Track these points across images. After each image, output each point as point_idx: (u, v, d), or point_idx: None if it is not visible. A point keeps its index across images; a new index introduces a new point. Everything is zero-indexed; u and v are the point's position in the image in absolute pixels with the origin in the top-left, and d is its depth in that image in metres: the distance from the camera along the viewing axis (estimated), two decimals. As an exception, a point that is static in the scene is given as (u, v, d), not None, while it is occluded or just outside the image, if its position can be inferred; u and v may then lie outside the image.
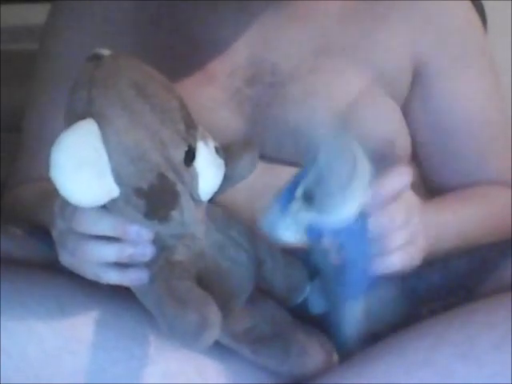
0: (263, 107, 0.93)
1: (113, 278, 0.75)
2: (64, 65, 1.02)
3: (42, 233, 0.85)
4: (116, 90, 0.70)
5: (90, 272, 0.75)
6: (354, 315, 0.82)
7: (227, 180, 0.78)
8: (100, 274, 0.75)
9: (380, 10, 0.98)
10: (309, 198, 0.75)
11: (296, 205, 0.75)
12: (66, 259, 0.76)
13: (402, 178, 0.76)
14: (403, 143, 0.98)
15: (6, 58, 1.53)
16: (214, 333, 0.70)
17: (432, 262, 0.80)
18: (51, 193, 0.79)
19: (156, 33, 0.99)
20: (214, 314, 0.71)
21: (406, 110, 1.00)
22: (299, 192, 0.75)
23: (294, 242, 0.77)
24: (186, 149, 0.72)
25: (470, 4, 1.03)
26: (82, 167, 0.68)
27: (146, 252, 0.74)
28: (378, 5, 0.98)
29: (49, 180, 0.86)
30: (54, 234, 0.76)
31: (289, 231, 0.76)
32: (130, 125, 0.70)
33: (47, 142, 1.00)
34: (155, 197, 0.72)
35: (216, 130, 0.86)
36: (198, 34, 0.98)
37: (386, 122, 0.94)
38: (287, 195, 0.77)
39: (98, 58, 0.72)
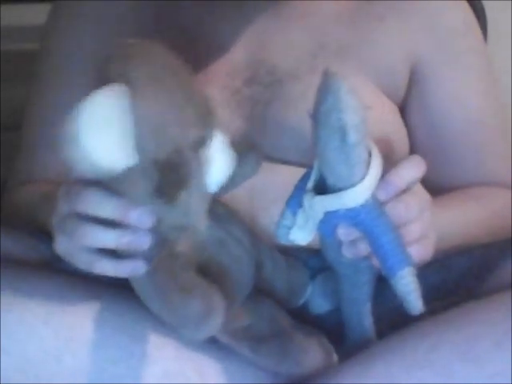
0: (262, 107, 0.93)
1: (106, 267, 0.73)
2: (64, 65, 1.03)
3: (41, 233, 0.85)
4: (150, 64, 0.71)
5: (85, 259, 0.74)
6: (366, 313, 0.82)
7: (231, 179, 0.78)
8: (94, 262, 0.73)
9: (378, 10, 0.99)
10: (321, 185, 0.74)
11: (309, 197, 0.75)
12: (62, 246, 0.75)
13: (416, 168, 0.76)
14: (401, 143, 0.98)
15: (6, 58, 1.53)
16: (217, 322, 0.70)
17: (432, 262, 0.80)
18: (51, 193, 0.78)
19: (155, 33, 0.99)
20: (217, 302, 0.71)
21: (403, 110, 1.00)
22: (310, 185, 0.75)
23: (307, 243, 0.77)
24: (205, 132, 0.73)
25: (467, 5, 1.03)
26: (105, 125, 0.68)
27: (145, 241, 0.72)
28: (375, 5, 0.99)
29: (48, 180, 0.85)
30: (55, 220, 0.75)
31: (302, 232, 0.76)
32: (158, 96, 0.70)
33: (47, 142, 1.02)
34: (169, 171, 0.71)
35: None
36: (196, 34, 0.98)
37: (383, 121, 0.94)
38: (298, 194, 0.76)
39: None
